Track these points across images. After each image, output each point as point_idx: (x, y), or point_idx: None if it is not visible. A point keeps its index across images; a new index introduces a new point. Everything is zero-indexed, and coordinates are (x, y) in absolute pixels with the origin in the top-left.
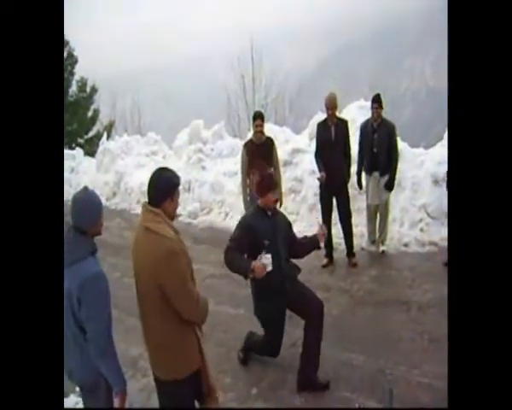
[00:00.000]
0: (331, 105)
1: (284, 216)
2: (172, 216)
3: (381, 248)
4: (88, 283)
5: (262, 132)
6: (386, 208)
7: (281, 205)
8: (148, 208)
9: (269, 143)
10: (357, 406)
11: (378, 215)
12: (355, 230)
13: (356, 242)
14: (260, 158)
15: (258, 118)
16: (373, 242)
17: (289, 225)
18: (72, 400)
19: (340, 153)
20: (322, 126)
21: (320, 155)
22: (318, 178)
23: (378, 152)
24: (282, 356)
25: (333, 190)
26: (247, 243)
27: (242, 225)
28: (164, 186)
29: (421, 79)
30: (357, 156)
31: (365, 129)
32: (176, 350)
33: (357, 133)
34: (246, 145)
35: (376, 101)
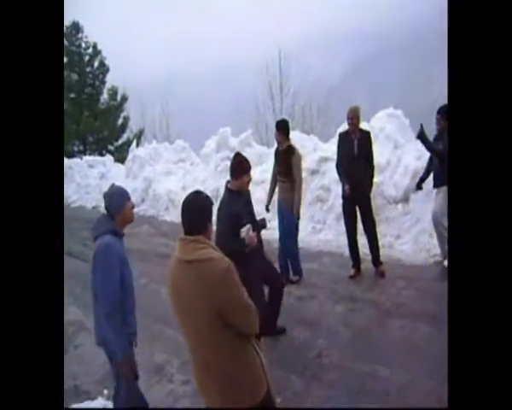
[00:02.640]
0: (354, 117)
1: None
2: (211, 236)
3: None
4: (97, 253)
5: (280, 141)
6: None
7: (298, 217)
8: (188, 239)
9: (289, 151)
10: None
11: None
12: (383, 240)
13: (403, 254)
14: (281, 165)
15: (276, 127)
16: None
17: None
18: (100, 402)
19: (362, 164)
20: (344, 138)
21: (342, 167)
22: (342, 193)
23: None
24: (307, 366)
25: (355, 200)
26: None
27: (227, 217)
28: (204, 212)
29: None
30: (426, 163)
31: (435, 141)
32: (248, 373)
33: (387, 142)
34: (275, 152)
35: (439, 112)
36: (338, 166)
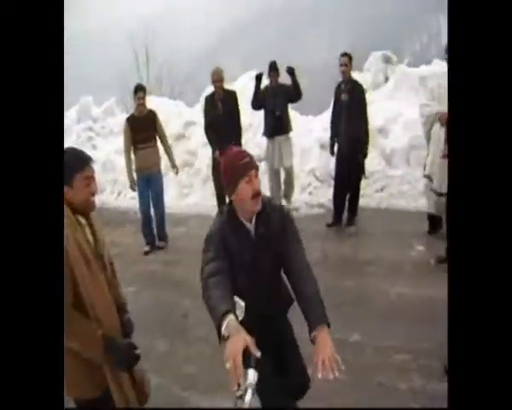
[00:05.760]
0: (217, 79)
1: (280, 220)
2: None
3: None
4: None
5: (143, 105)
6: (293, 171)
7: (176, 174)
8: None
9: (151, 116)
10: None
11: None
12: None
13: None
14: (144, 132)
15: (140, 90)
16: None
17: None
18: None
19: (230, 125)
20: (210, 101)
21: (210, 130)
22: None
23: (280, 115)
24: (173, 326)
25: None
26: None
27: (214, 243)
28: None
29: (317, 52)
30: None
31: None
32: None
33: (249, 101)
34: (128, 120)
35: (274, 69)
36: (206, 129)
